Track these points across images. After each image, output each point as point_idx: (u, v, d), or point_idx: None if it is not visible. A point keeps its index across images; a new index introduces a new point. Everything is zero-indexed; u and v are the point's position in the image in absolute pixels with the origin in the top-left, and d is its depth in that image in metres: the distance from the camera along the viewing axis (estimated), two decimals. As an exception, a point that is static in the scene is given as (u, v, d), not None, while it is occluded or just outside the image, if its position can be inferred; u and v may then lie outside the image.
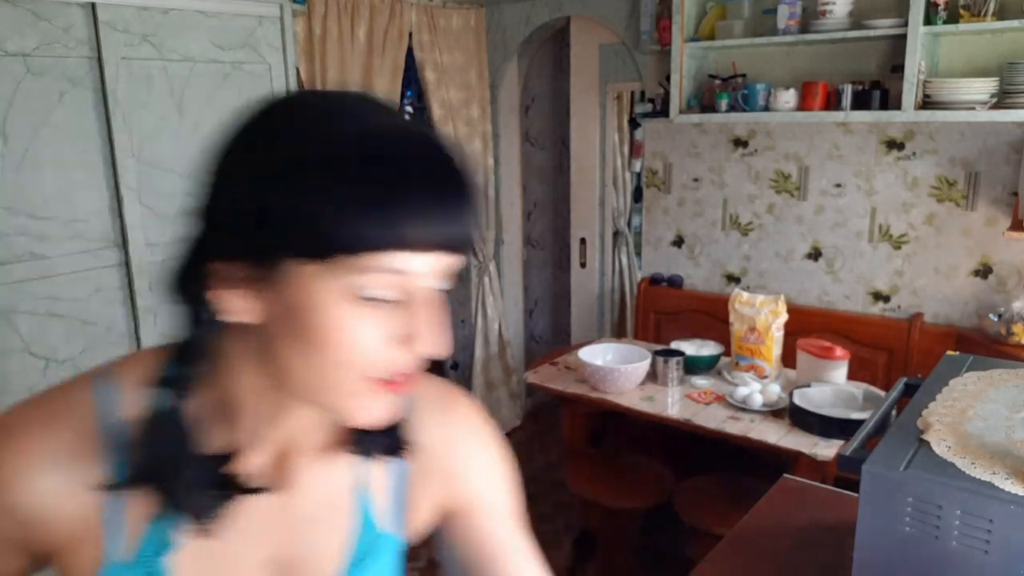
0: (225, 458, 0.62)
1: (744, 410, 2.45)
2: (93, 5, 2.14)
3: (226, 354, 0.62)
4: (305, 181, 0.51)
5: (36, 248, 2.12)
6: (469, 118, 3.90)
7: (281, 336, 0.57)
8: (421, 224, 0.53)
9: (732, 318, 2.75)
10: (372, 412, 0.60)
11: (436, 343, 0.57)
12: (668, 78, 3.14)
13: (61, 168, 2.14)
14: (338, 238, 0.52)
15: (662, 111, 3.30)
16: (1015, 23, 2.36)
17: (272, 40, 2.56)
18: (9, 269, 2.07)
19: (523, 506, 0.79)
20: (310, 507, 0.69)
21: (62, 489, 0.61)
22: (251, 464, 0.65)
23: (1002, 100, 2.43)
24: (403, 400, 0.64)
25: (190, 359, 0.62)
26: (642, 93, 3.57)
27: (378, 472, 0.72)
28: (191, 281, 0.60)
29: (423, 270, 0.55)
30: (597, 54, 3.98)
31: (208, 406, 0.63)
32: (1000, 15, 2.41)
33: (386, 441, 0.69)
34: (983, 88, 2.44)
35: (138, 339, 2.34)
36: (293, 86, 2.63)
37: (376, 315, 0.55)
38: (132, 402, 0.62)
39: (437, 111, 3.75)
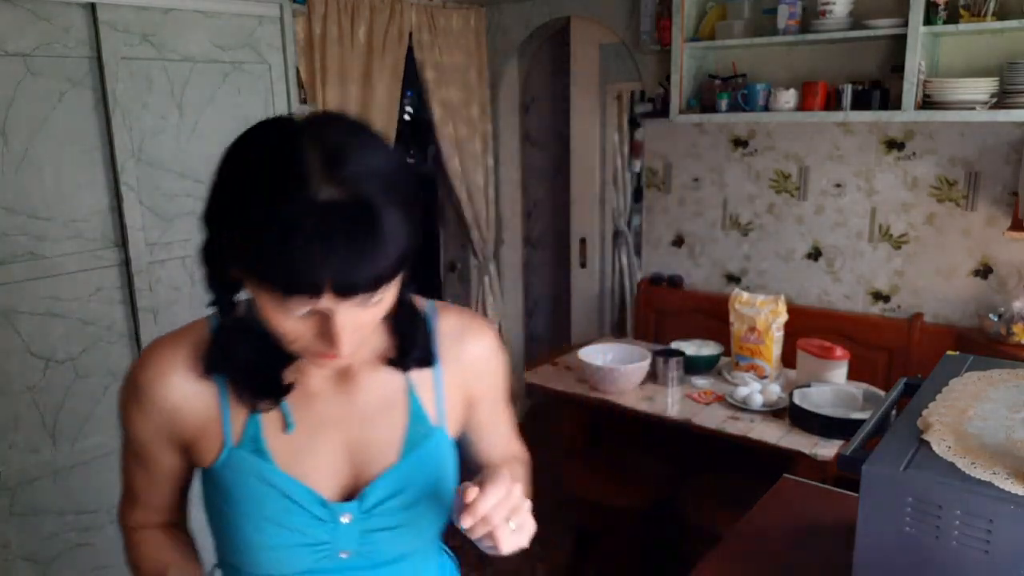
0: (281, 362, 0.86)
1: (744, 410, 2.45)
2: (93, 5, 2.13)
3: None
4: (246, 231, 0.71)
5: (36, 248, 2.12)
6: (469, 118, 3.90)
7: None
8: (307, 280, 0.70)
9: (732, 318, 2.75)
10: (317, 366, 0.86)
11: (336, 351, 0.76)
12: (668, 78, 3.14)
13: (61, 168, 2.14)
14: (258, 279, 0.72)
15: (662, 111, 3.30)
16: (1015, 23, 2.36)
17: (272, 40, 2.56)
18: (9, 269, 2.07)
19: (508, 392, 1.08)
20: (372, 403, 0.92)
21: (190, 386, 0.87)
22: (311, 370, 0.89)
23: (1002, 100, 2.42)
24: (424, 322, 0.94)
25: (219, 294, 0.84)
26: (642, 93, 3.57)
27: (424, 378, 0.94)
28: (208, 252, 0.81)
29: (321, 305, 0.72)
30: (597, 54, 3.98)
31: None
32: (1000, 15, 2.41)
33: (417, 357, 0.92)
34: (983, 88, 2.44)
35: (138, 339, 2.34)
36: (293, 86, 2.63)
37: (297, 321, 0.75)
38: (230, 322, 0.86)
39: (437, 111, 3.75)
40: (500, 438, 1.08)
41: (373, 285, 0.72)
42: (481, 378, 1.00)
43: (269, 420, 0.88)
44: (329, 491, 0.90)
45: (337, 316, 0.74)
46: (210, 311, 0.88)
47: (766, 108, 2.91)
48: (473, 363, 0.98)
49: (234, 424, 0.87)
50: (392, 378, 0.93)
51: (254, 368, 0.85)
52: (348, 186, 0.70)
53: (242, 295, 0.83)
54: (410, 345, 0.92)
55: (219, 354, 0.86)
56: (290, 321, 0.75)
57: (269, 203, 0.69)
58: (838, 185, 3.08)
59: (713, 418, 2.41)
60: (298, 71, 2.86)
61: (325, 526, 0.89)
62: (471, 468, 1.08)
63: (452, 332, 0.96)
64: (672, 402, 2.56)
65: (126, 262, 2.30)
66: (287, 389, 0.87)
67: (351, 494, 0.91)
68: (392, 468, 0.91)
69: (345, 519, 0.89)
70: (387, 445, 0.92)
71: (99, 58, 2.16)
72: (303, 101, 2.93)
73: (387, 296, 0.78)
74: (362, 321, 0.78)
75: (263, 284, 0.72)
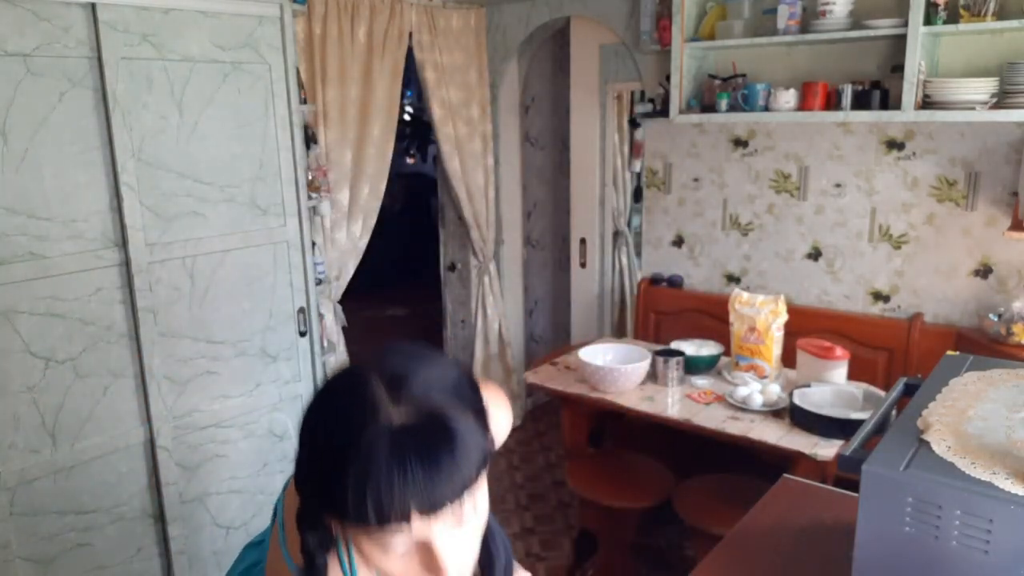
0: None
1: (744, 410, 2.45)
2: (93, 5, 2.14)
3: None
4: (331, 473, 0.73)
5: (36, 248, 2.12)
6: (469, 118, 3.90)
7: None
8: (393, 506, 0.71)
9: (732, 318, 2.75)
10: None
11: (451, 573, 0.76)
12: (668, 78, 3.13)
13: (61, 168, 2.14)
14: (351, 517, 0.73)
15: (662, 111, 3.30)
16: (1015, 23, 2.36)
17: (272, 40, 2.56)
18: (9, 269, 2.07)
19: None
20: None
21: None
22: None
23: (1002, 100, 2.42)
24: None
25: (313, 556, 0.83)
26: (642, 93, 3.57)
27: None
28: (307, 514, 0.82)
29: (421, 533, 0.74)
30: (597, 54, 3.98)
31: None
32: (1000, 15, 2.41)
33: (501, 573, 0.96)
34: (983, 88, 2.44)
35: (138, 339, 2.34)
36: (293, 86, 2.63)
37: (403, 559, 0.76)
38: None
39: (437, 111, 3.75)
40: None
41: (457, 493, 0.73)
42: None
43: None
44: None
45: (436, 541, 0.75)
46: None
47: (766, 108, 2.91)
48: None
49: None
50: None
51: None
52: (414, 404, 0.73)
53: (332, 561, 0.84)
54: (492, 566, 0.94)
55: None
56: (394, 561, 0.76)
57: (347, 440, 0.72)
58: (838, 185, 3.08)
59: (713, 418, 2.41)
60: (298, 71, 2.86)
61: None
62: None
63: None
64: (672, 402, 2.56)
65: (126, 262, 2.30)
66: None
67: None
68: None
69: None
70: None
71: (99, 58, 2.16)
72: (303, 101, 2.93)
73: (480, 509, 0.80)
74: (464, 543, 0.79)
75: (357, 524, 0.73)
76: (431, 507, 0.72)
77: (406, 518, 0.72)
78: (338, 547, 0.87)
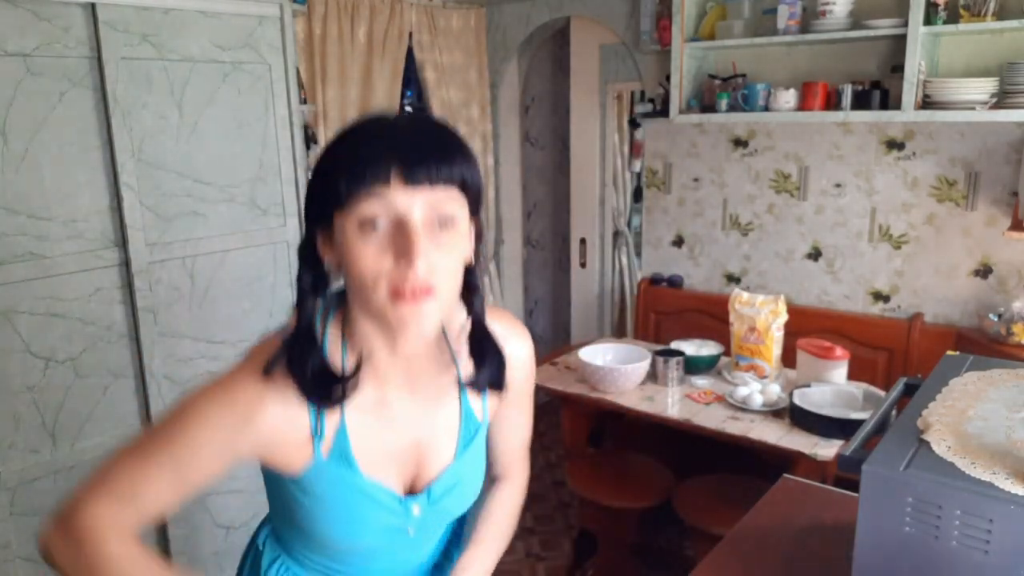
0: (339, 371, 0.91)
1: (744, 410, 2.45)
2: (93, 5, 2.13)
3: (349, 300, 0.92)
4: (317, 172, 0.86)
5: (36, 248, 2.12)
6: (469, 118, 3.90)
7: (346, 276, 0.87)
8: (375, 174, 0.80)
9: (732, 318, 2.75)
10: (407, 324, 0.84)
11: (410, 261, 0.80)
12: (668, 78, 3.14)
13: (61, 168, 2.14)
14: (333, 196, 0.82)
15: (662, 111, 3.30)
16: (1015, 23, 2.36)
17: (272, 40, 2.56)
18: (9, 269, 2.07)
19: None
20: (433, 405, 1.00)
21: (287, 409, 0.89)
22: (377, 373, 0.94)
23: (1002, 100, 2.43)
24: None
25: (305, 295, 0.91)
26: (642, 93, 3.57)
27: (471, 375, 1.01)
28: (306, 245, 0.90)
29: (398, 204, 0.80)
30: (597, 54, 3.98)
31: (346, 334, 0.93)
32: (1000, 15, 2.41)
33: (494, 382, 1.01)
34: (983, 88, 2.44)
35: (138, 339, 2.34)
36: (293, 86, 2.63)
37: (372, 240, 0.82)
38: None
39: (437, 111, 3.75)
40: (512, 442, 1.17)
41: (438, 172, 0.80)
42: (518, 381, 1.08)
43: (355, 431, 0.94)
44: (399, 487, 1.00)
45: (410, 217, 0.80)
46: (278, 330, 0.94)
47: (766, 108, 2.91)
48: (514, 367, 1.04)
49: (325, 439, 0.92)
50: (447, 378, 1.01)
51: (322, 376, 0.89)
52: (421, 115, 0.83)
53: (319, 303, 0.92)
54: (487, 370, 0.99)
55: (298, 355, 0.88)
56: (370, 249, 0.81)
57: (348, 130, 0.85)
58: (838, 185, 3.08)
59: (713, 418, 2.41)
60: (298, 71, 2.86)
61: (399, 517, 1.00)
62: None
63: (498, 333, 1.02)
64: (672, 402, 2.56)
65: (126, 262, 2.30)
66: (343, 397, 0.91)
67: (414, 486, 1.01)
68: (450, 466, 1.02)
69: (415, 510, 1.01)
70: (445, 444, 1.02)
71: (99, 58, 2.16)
72: (303, 101, 2.93)
73: (460, 241, 0.86)
74: (444, 256, 0.84)
75: (344, 204, 0.81)
76: (410, 177, 0.79)
77: (384, 179, 0.79)
78: (323, 308, 0.93)
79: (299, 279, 0.90)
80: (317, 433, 0.92)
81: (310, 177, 0.88)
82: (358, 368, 0.91)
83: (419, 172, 0.79)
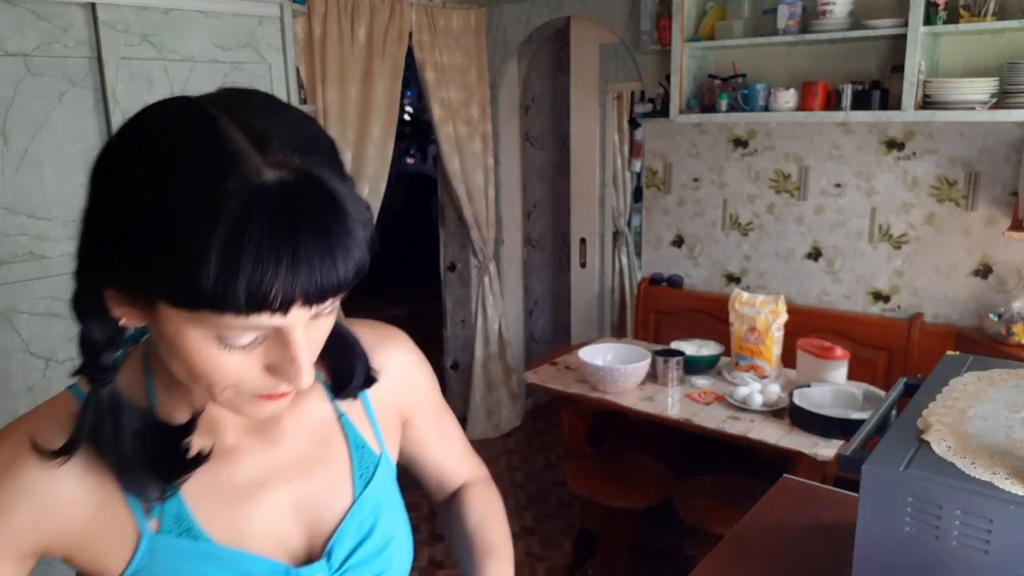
0: (182, 430, 0.68)
1: (744, 410, 2.45)
2: (93, 5, 2.14)
3: (154, 344, 0.67)
4: (170, 236, 0.53)
5: (36, 248, 2.12)
6: (469, 118, 3.90)
7: (164, 352, 0.63)
8: (277, 288, 0.54)
9: (732, 318, 2.75)
10: (256, 414, 0.66)
11: (296, 378, 0.61)
12: (668, 78, 3.14)
13: (61, 168, 2.14)
14: (201, 298, 0.54)
15: (662, 111, 3.30)
16: (1015, 23, 2.36)
17: (272, 40, 2.56)
18: (9, 269, 2.07)
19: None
20: (307, 445, 0.78)
21: (75, 477, 0.67)
22: (217, 427, 0.73)
23: (1002, 100, 2.42)
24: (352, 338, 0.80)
25: (98, 355, 0.67)
26: (642, 93, 3.57)
27: (352, 404, 0.83)
28: (89, 299, 0.64)
29: (281, 321, 0.58)
30: (597, 54, 3.98)
31: (163, 384, 0.71)
32: (1000, 15, 2.41)
33: (362, 379, 0.80)
34: (983, 88, 2.44)
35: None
36: (293, 86, 2.63)
37: (241, 355, 0.60)
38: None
39: (437, 111, 3.75)
40: (450, 454, 0.99)
41: (351, 277, 0.58)
42: (410, 391, 0.90)
43: (193, 491, 0.71)
44: (287, 555, 0.76)
45: (295, 333, 0.60)
46: (69, 382, 0.73)
47: (766, 108, 2.91)
48: (397, 376, 0.87)
49: (150, 513, 0.69)
50: (319, 411, 0.80)
51: (149, 441, 0.67)
52: (286, 162, 0.56)
53: (118, 354, 0.68)
54: (350, 368, 0.79)
55: (101, 428, 0.66)
56: (232, 358, 0.60)
57: (200, 194, 0.53)
58: (838, 185, 3.08)
59: (713, 418, 2.41)
60: (298, 71, 2.86)
61: None
62: (427, 495, 1.02)
63: (369, 347, 0.83)
64: (672, 402, 2.56)
65: (126, 262, 2.30)
66: (199, 460, 0.69)
67: (313, 552, 0.77)
68: (351, 511, 0.79)
69: None
70: (337, 488, 0.79)
71: (99, 58, 2.16)
72: (303, 101, 2.93)
73: (336, 310, 0.65)
74: (318, 337, 0.64)
75: (201, 308, 0.54)
76: (320, 293, 0.56)
77: (286, 305, 0.55)
78: (129, 339, 0.70)
79: (85, 337, 0.67)
80: (139, 508, 0.69)
81: (97, 209, 0.61)
82: (193, 422, 0.69)
83: (323, 297, 0.58)
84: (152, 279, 0.55)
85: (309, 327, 0.62)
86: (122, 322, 0.64)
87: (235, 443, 0.75)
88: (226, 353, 0.59)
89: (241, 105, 0.59)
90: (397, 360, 0.88)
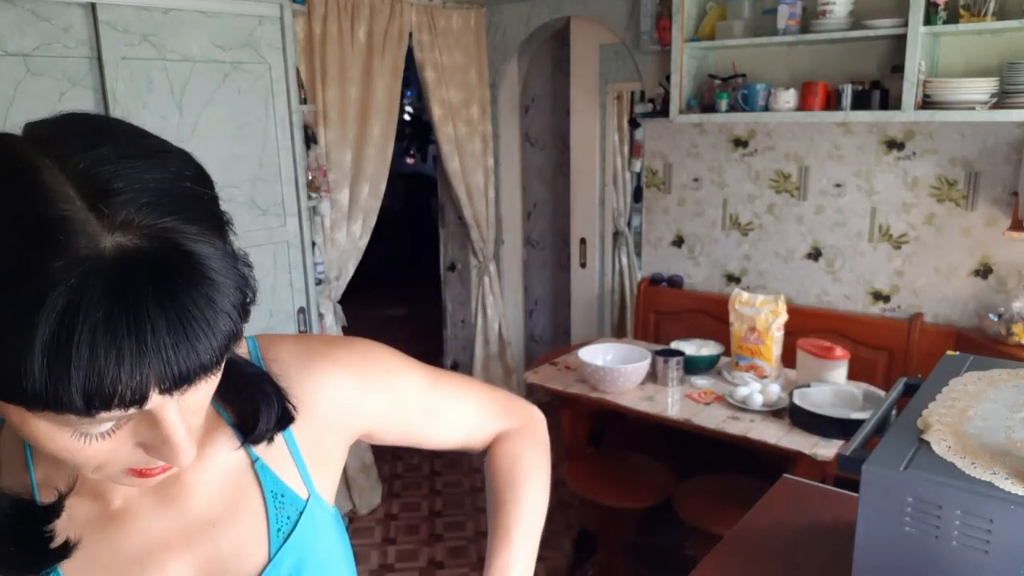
0: (49, 510, 0.58)
1: (744, 410, 2.45)
2: (93, 5, 2.14)
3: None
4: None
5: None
6: (469, 118, 3.90)
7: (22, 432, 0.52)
8: (109, 391, 0.45)
9: (732, 318, 2.75)
10: (136, 487, 0.60)
11: (174, 458, 0.53)
12: (668, 78, 3.14)
13: (61, 168, 2.14)
14: (32, 401, 0.45)
15: (662, 111, 3.30)
16: (1015, 23, 2.36)
17: (272, 40, 2.56)
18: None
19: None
20: (211, 500, 0.67)
21: None
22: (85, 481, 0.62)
23: (1002, 100, 2.43)
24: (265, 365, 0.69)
25: None
26: (642, 93, 3.57)
27: (265, 445, 0.69)
28: None
29: (139, 410, 0.49)
30: (597, 54, 3.98)
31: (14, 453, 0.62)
32: (1000, 15, 2.41)
33: (270, 422, 0.67)
34: (983, 88, 2.44)
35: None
36: (293, 86, 2.63)
37: (103, 440, 0.51)
38: None
39: (437, 111, 3.75)
40: (458, 426, 0.87)
41: (216, 355, 0.49)
42: (355, 411, 0.76)
43: (74, 569, 0.61)
44: None
45: (164, 413, 0.51)
46: None
47: (766, 108, 2.91)
48: (329, 403, 0.73)
49: None
50: (228, 460, 0.68)
51: (6, 530, 0.57)
52: (131, 221, 0.47)
53: None
54: (255, 412, 0.66)
55: None
56: (92, 445, 0.51)
57: (15, 277, 0.44)
58: (838, 185, 3.08)
59: (713, 418, 2.41)
60: (298, 71, 2.86)
61: None
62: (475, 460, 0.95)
63: (291, 374, 0.71)
64: (672, 402, 2.56)
65: (126, 262, 2.30)
66: (64, 551, 0.58)
67: None
68: (265, 573, 0.68)
69: None
70: (249, 546, 0.68)
71: (99, 58, 2.17)
72: (303, 101, 2.93)
73: (217, 373, 0.55)
74: (199, 402, 0.55)
75: (35, 410, 0.47)
76: (177, 380, 0.47)
77: (139, 400, 0.47)
78: None
79: None
80: None
81: None
82: (58, 504, 0.59)
83: (185, 384, 0.49)
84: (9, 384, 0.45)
85: (185, 397, 0.51)
86: None
87: (124, 506, 0.64)
88: (83, 442, 0.51)
89: (78, 145, 0.49)
90: (327, 384, 0.73)
